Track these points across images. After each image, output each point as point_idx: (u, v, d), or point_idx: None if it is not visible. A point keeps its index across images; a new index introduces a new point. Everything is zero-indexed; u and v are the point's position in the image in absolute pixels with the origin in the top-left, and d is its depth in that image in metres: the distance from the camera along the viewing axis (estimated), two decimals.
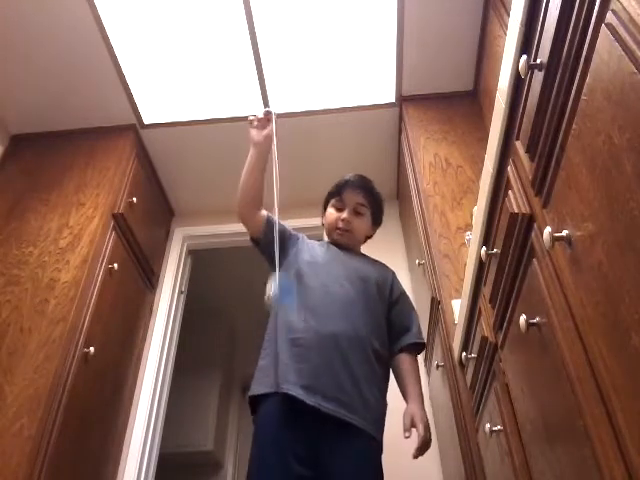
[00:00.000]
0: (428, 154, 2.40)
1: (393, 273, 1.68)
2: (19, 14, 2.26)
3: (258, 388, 1.36)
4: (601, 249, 0.73)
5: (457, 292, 1.85)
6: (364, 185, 1.68)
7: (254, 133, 1.63)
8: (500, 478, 1.32)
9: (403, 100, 2.64)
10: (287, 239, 1.60)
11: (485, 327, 1.35)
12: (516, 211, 1.04)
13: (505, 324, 1.18)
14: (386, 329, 1.53)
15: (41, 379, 1.84)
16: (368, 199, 1.66)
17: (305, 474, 1.21)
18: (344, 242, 1.65)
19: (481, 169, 1.27)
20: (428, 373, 2.33)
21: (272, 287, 1.52)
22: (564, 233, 0.83)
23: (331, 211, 1.67)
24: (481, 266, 1.34)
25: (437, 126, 2.51)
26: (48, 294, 2.07)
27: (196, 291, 3.27)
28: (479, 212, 1.29)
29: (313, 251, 1.59)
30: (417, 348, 1.57)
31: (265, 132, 1.62)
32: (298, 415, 1.26)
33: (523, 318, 1.00)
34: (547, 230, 0.86)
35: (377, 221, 1.72)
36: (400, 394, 1.49)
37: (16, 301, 2.05)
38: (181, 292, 3.02)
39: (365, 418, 1.31)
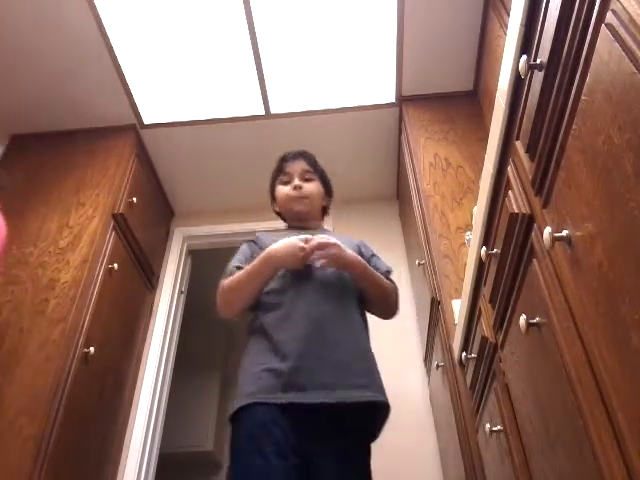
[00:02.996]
0: (428, 154, 2.41)
1: (360, 241, 1.63)
2: (19, 14, 2.26)
3: (247, 399, 1.24)
4: (601, 249, 0.73)
5: (457, 292, 1.85)
6: (303, 153, 1.69)
7: (299, 256, 1.37)
8: (500, 478, 1.32)
9: (403, 100, 2.64)
10: (257, 253, 1.47)
11: (485, 327, 1.35)
12: (516, 211, 1.04)
13: (505, 324, 1.18)
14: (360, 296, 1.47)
15: (41, 379, 1.84)
16: (312, 166, 1.67)
17: (300, 464, 1.16)
18: (304, 209, 1.61)
19: (481, 169, 1.27)
20: (428, 373, 2.33)
21: None
22: (564, 233, 0.83)
23: (280, 187, 1.65)
24: (481, 266, 1.34)
25: (437, 126, 2.52)
26: (48, 294, 2.07)
27: (196, 291, 3.27)
28: (479, 212, 1.29)
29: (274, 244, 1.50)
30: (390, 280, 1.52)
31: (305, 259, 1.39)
32: (292, 414, 1.21)
33: (523, 318, 1.00)
34: (547, 230, 0.86)
35: (328, 190, 1.71)
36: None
37: (16, 301, 2.05)
38: (181, 292, 3.02)
39: (373, 388, 1.28)
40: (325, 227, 1.73)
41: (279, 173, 1.68)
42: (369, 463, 1.29)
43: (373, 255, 1.60)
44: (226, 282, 1.43)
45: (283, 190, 1.64)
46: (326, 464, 1.20)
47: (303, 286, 1.39)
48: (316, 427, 1.21)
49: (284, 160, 1.69)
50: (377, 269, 1.50)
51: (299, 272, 1.41)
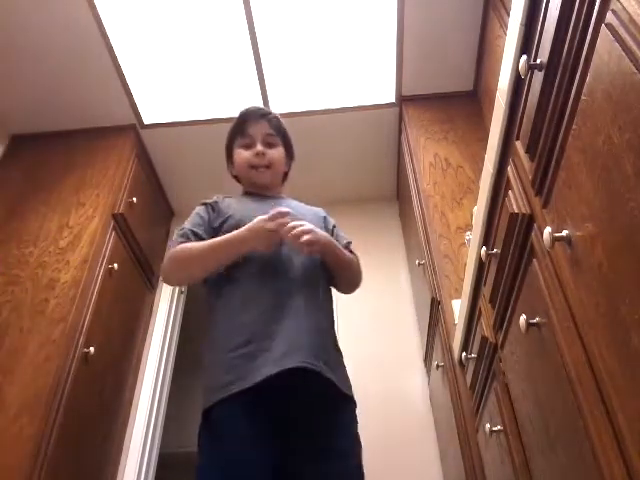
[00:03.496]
0: (428, 154, 2.41)
1: (323, 210, 1.57)
2: (19, 14, 2.26)
3: (219, 394, 1.16)
4: (601, 249, 0.73)
5: (457, 292, 1.85)
6: (266, 113, 1.55)
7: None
8: (500, 478, 1.32)
9: (403, 100, 2.64)
10: (214, 220, 1.41)
11: (485, 327, 1.35)
12: (516, 211, 1.04)
13: (505, 324, 1.18)
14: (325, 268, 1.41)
15: (41, 379, 1.84)
16: (275, 128, 1.54)
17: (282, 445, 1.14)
18: (266, 181, 1.51)
19: (481, 169, 1.28)
20: (428, 373, 2.33)
21: None
22: (564, 233, 0.83)
23: (240, 151, 1.51)
24: (481, 266, 1.34)
25: (437, 126, 2.52)
26: (48, 294, 2.07)
27: (196, 291, 3.27)
28: (479, 212, 1.29)
29: (232, 212, 1.42)
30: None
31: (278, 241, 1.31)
32: (267, 397, 1.16)
33: (523, 318, 1.00)
34: (547, 230, 0.86)
35: (290, 153, 1.59)
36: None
37: (16, 301, 2.05)
38: (181, 292, 3.02)
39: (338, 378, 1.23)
40: (284, 195, 1.60)
41: (239, 133, 1.53)
42: (334, 426, 1.21)
43: (335, 226, 1.54)
44: (182, 248, 1.32)
45: (243, 155, 1.51)
46: (297, 436, 1.18)
47: (271, 263, 1.32)
48: (286, 403, 1.17)
49: (245, 119, 1.53)
50: (338, 241, 1.45)
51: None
